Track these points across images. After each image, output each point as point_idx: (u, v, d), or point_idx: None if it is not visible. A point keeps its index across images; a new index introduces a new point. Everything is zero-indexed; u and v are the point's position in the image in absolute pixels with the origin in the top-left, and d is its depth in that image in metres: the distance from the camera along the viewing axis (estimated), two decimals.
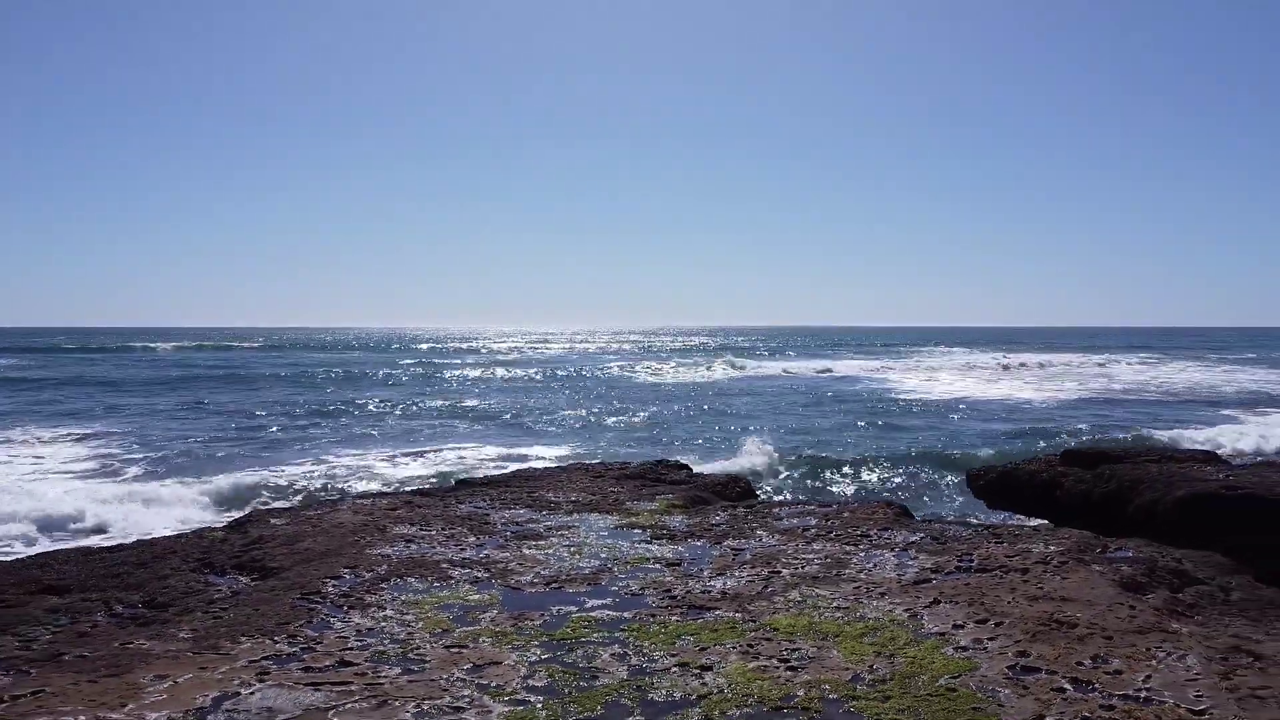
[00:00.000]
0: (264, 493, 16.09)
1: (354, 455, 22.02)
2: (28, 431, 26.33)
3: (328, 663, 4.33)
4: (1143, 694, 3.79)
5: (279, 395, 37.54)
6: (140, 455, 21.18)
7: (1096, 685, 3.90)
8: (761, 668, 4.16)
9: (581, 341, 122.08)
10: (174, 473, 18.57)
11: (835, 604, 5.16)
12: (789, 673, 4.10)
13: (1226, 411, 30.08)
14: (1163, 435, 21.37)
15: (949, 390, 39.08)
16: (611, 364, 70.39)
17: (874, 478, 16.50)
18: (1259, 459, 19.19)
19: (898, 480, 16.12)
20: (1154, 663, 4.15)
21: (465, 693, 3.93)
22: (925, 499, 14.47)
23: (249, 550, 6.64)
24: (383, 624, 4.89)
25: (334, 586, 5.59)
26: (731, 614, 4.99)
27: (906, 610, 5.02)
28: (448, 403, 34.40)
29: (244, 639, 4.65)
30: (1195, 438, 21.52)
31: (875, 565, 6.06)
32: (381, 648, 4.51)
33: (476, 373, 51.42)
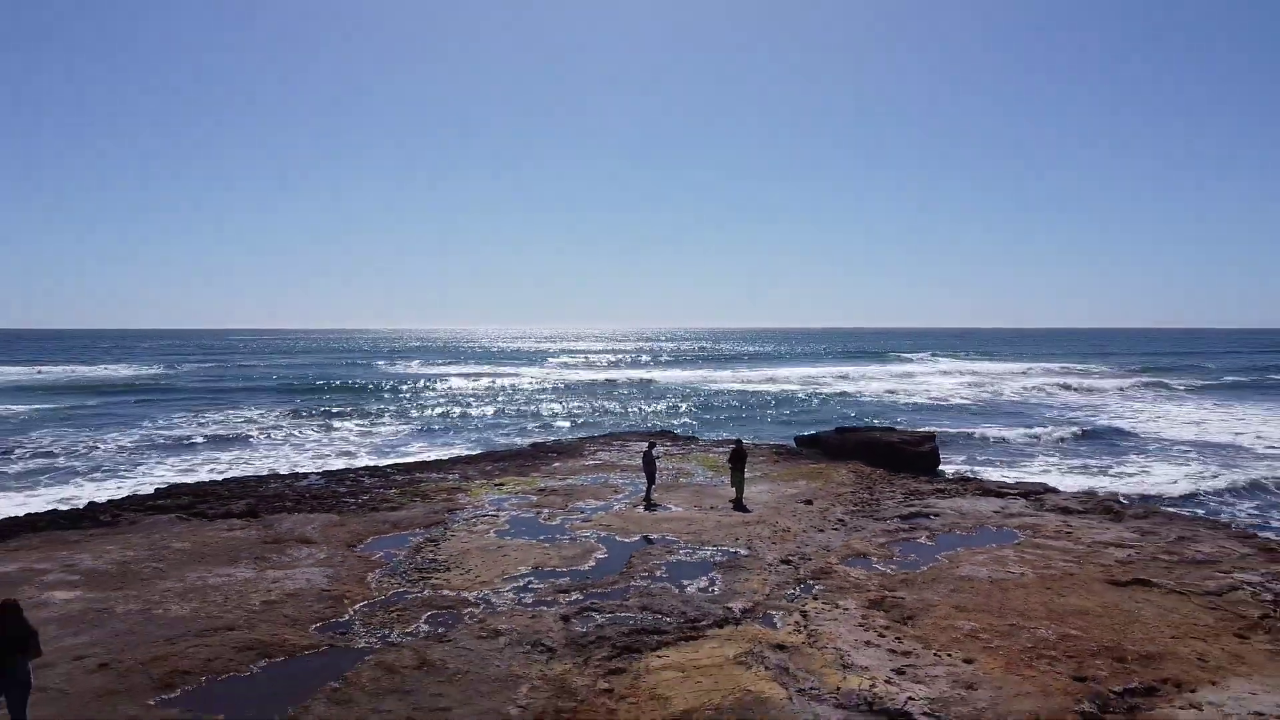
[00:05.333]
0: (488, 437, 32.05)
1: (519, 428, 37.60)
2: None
3: (596, 462, 21.03)
4: (759, 475, 20.42)
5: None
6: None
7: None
8: (693, 465, 20.91)
9: (600, 350, 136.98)
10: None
11: (706, 456, 21.94)
12: (691, 462, 20.88)
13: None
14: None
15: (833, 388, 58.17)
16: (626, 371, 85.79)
17: (750, 433, 32.91)
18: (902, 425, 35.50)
19: (766, 437, 32.32)
20: (772, 469, 20.80)
21: (639, 475, 20.52)
22: (770, 444, 30.78)
23: (546, 452, 23.51)
24: (612, 459, 21.61)
25: (588, 452, 22.37)
26: (675, 455, 21.78)
27: (722, 459, 21.79)
28: (501, 405, 50.94)
29: (575, 460, 21.45)
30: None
31: (719, 450, 22.83)
32: (625, 459, 21.23)
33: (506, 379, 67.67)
